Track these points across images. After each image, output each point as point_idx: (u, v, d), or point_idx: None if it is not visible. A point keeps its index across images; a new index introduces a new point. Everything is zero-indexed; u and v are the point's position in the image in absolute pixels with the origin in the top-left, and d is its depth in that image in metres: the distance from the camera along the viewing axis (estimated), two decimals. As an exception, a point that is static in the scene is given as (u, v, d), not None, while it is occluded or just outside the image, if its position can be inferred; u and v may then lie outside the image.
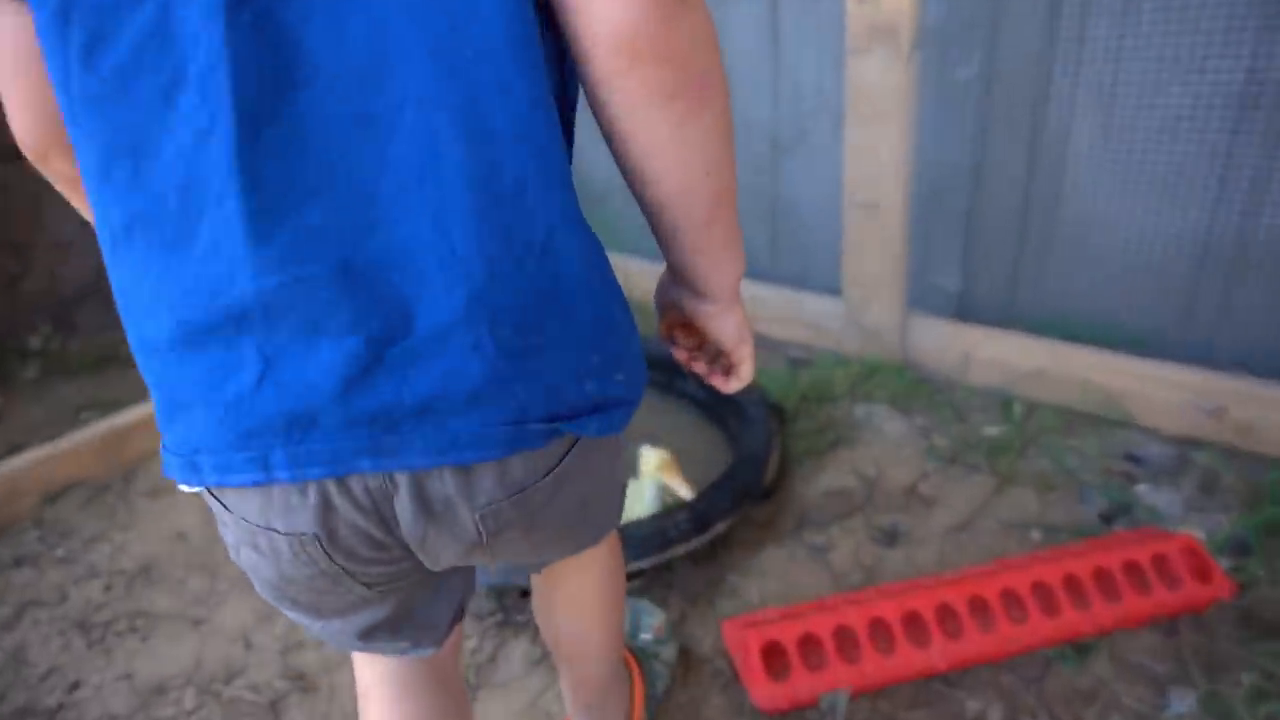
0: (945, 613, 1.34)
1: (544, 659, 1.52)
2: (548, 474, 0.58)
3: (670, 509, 1.70)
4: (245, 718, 1.45)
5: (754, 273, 2.56)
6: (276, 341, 0.50)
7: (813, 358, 2.42)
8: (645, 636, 1.45)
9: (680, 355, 0.78)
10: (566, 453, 0.59)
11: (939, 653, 1.30)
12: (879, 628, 1.33)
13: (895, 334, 2.22)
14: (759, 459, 1.85)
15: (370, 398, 0.51)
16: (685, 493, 1.79)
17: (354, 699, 1.36)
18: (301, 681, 1.55)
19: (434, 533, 0.57)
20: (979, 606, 1.35)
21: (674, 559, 1.66)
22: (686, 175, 0.56)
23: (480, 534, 0.58)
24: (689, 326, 0.75)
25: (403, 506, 0.55)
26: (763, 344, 2.57)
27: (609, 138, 0.55)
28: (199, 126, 0.47)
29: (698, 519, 1.67)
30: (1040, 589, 1.36)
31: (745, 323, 0.71)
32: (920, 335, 2.20)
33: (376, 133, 0.47)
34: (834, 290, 2.34)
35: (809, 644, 1.31)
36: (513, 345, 0.51)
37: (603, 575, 0.91)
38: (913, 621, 1.33)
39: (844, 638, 1.32)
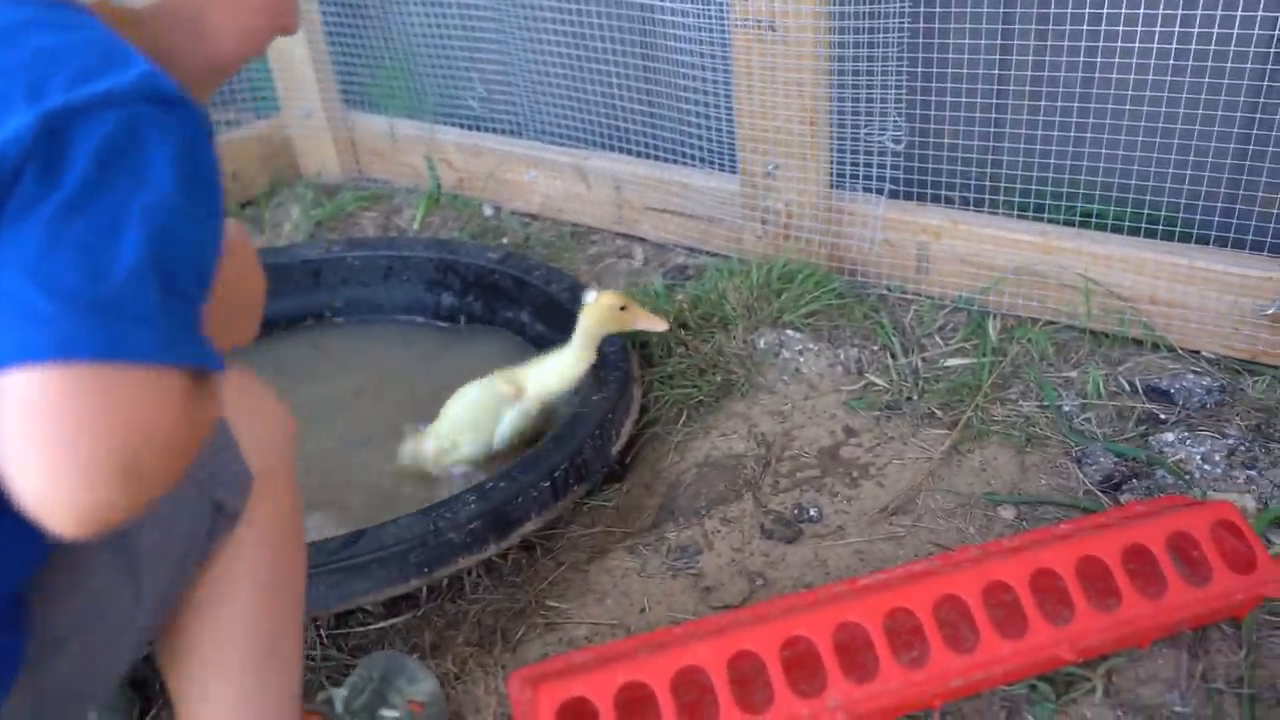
0: (852, 641, 1.27)
1: None
2: None
3: (453, 498, 1.57)
4: None
5: (619, 143, 2.47)
6: None
7: (704, 263, 2.35)
8: (388, 715, 1.32)
9: None
10: None
11: (841, 702, 1.22)
12: (749, 670, 1.24)
13: (816, 222, 2.12)
14: (604, 417, 1.75)
15: None
16: (658, 327, 1.84)
17: None
18: None
19: None
20: (906, 628, 1.29)
21: (464, 576, 1.58)
22: None
23: None
24: None
25: None
26: (636, 247, 2.47)
27: None
28: None
29: (493, 516, 1.55)
30: (999, 597, 1.31)
31: None
32: (853, 223, 2.11)
33: None
34: (726, 164, 2.26)
35: (637, 703, 1.22)
36: None
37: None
38: (803, 658, 1.25)
39: (694, 688, 1.24)
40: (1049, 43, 1.89)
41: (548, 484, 1.61)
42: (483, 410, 1.83)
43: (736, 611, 1.36)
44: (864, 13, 1.88)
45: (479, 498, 1.55)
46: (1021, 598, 1.28)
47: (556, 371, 1.82)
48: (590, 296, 1.84)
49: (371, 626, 1.51)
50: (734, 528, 1.64)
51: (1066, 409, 1.77)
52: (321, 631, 1.48)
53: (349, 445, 1.97)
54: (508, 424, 1.81)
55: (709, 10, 2.03)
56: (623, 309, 1.81)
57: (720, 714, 1.20)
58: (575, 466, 1.66)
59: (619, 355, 1.89)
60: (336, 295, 2.44)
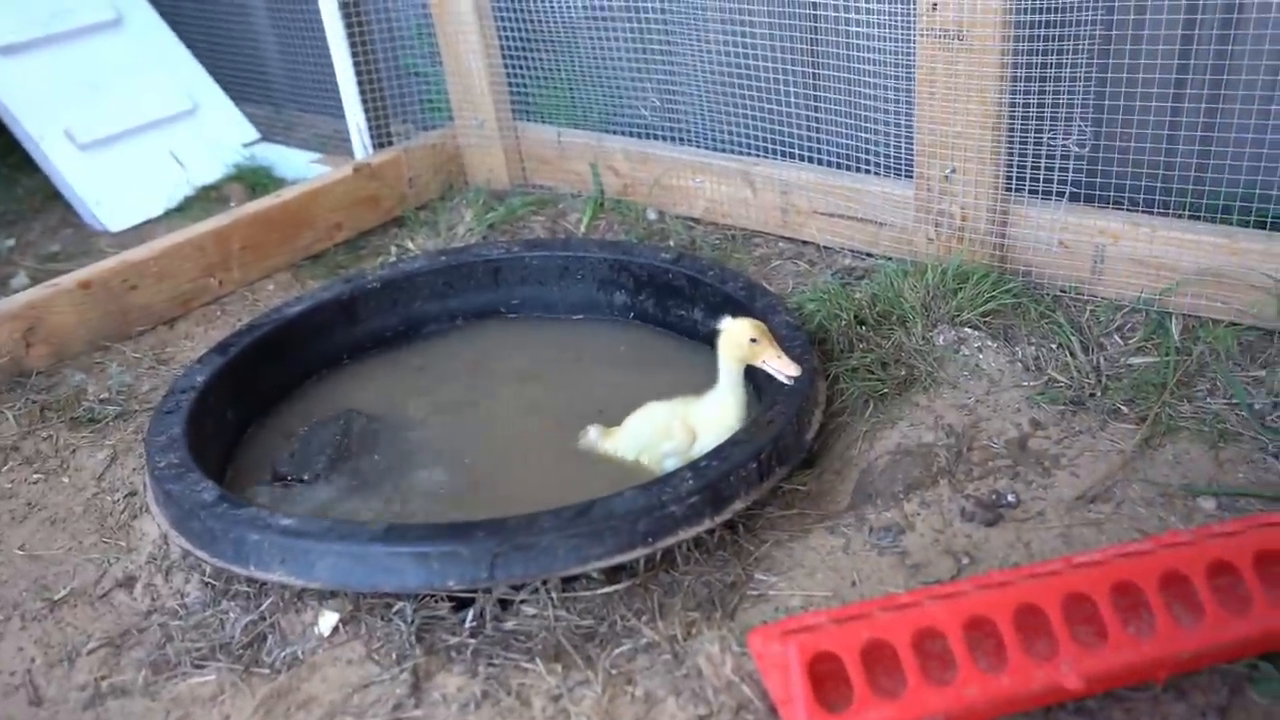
0: (1079, 610, 1.31)
1: (486, 697, 1.44)
2: None
3: (672, 474, 1.67)
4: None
5: (788, 148, 2.55)
6: None
7: (872, 265, 2.40)
8: None
9: None
10: None
11: (1072, 668, 1.26)
12: (982, 633, 1.30)
13: (991, 224, 2.17)
14: (797, 408, 1.81)
15: None
16: (790, 372, 1.79)
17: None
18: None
19: None
20: (1129, 601, 1.32)
21: (676, 549, 1.64)
22: None
23: None
24: None
25: None
26: (803, 250, 2.56)
27: None
28: None
29: (710, 492, 1.64)
30: (1221, 575, 1.33)
31: None
32: (1028, 225, 2.15)
33: None
34: (900, 168, 2.32)
35: (879, 658, 1.28)
36: None
37: None
38: (1031, 623, 1.29)
39: (931, 648, 1.29)
40: (1231, 46, 1.92)
41: (755, 465, 1.69)
42: (661, 433, 1.89)
43: (958, 582, 1.42)
44: (1053, 20, 1.94)
45: (695, 475, 1.64)
46: (1246, 578, 1.31)
47: (719, 422, 1.83)
48: (724, 323, 1.81)
49: (597, 591, 1.60)
50: (933, 510, 1.70)
51: (1257, 407, 1.79)
52: (552, 595, 1.59)
53: (530, 427, 2.11)
54: (672, 464, 1.86)
55: (895, 21, 2.11)
56: (753, 341, 1.78)
57: (960, 674, 1.26)
58: (778, 450, 1.74)
59: (803, 348, 1.96)
60: (514, 293, 2.57)
